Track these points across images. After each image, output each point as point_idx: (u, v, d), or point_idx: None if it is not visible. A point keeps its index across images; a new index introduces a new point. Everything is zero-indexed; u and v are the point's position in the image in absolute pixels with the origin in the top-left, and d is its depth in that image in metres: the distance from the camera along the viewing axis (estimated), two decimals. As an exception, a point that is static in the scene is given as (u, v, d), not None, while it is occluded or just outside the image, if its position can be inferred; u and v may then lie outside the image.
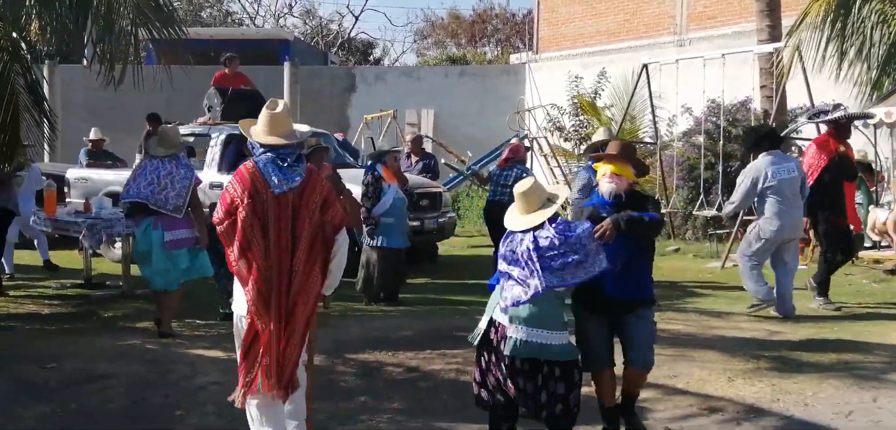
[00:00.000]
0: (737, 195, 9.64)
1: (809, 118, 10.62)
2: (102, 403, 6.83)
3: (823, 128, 11.20)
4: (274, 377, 5.17)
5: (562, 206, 5.79)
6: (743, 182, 9.57)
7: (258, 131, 5.31)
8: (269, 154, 5.24)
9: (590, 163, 8.40)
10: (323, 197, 5.28)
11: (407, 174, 12.43)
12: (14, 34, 9.75)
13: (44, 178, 12.64)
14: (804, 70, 13.11)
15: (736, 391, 7.07)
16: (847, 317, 9.69)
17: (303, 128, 5.50)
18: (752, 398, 6.88)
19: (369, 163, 10.74)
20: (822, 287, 10.12)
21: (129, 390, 7.08)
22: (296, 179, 5.22)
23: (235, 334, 5.39)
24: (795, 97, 14.76)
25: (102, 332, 8.84)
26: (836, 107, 10.60)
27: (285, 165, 5.24)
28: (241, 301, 5.28)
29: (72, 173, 14.34)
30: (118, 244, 11.91)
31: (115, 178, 13.37)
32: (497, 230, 11.32)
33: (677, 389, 7.14)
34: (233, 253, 5.22)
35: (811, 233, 10.63)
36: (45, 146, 11.73)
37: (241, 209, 5.18)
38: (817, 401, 6.85)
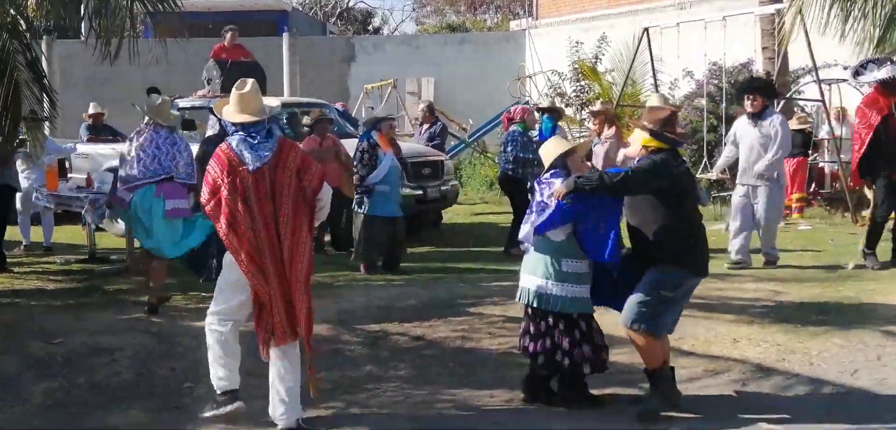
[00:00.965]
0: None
1: (854, 75, 10.51)
2: (109, 377, 6.85)
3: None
4: (287, 329, 5.70)
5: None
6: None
7: (229, 111, 5.77)
8: (240, 133, 5.72)
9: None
10: (297, 165, 5.71)
11: (411, 143, 12.44)
12: (12, 11, 9.70)
13: (64, 146, 12.78)
14: (805, 31, 13.03)
15: (741, 351, 7.08)
16: (851, 276, 9.69)
17: (273, 102, 6.01)
18: (758, 359, 6.90)
19: (364, 131, 10.69)
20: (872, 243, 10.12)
21: (135, 363, 7.10)
22: (266, 154, 5.67)
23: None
24: (797, 58, 14.70)
25: (107, 306, 8.85)
26: (881, 62, 10.39)
27: (256, 141, 5.70)
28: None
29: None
30: (121, 219, 11.90)
31: (116, 153, 13.33)
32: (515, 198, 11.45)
33: (682, 350, 7.16)
34: (221, 229, 5.68)
35: (869, 192, 10.58)
36: (46, 122, 11.70)
37: (223, 188, 5.65)
38: (822, 360, 6.87)
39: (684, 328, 7.67)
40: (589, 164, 6.12)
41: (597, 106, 12.30)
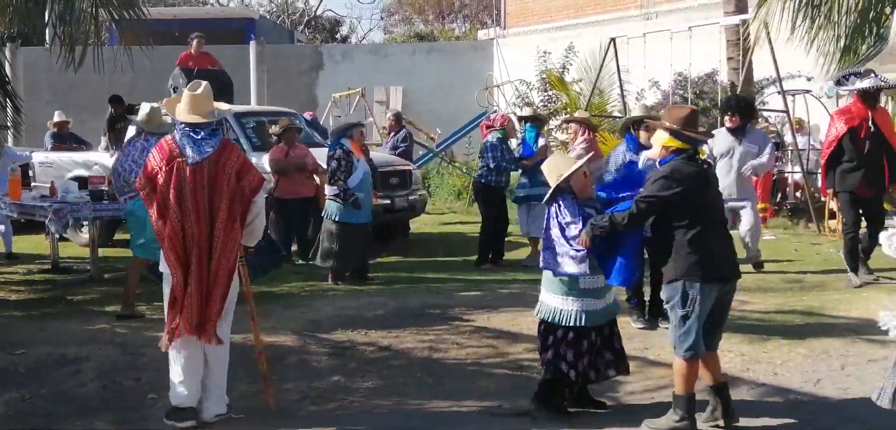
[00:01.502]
0: None
1: (837, 83, 10.54)
2: (73, 387, 6.78)
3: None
4: (195, 322, 5.85)
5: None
6: None
7: (181, 110, 6.03)
8: (185, 129, 5.97)
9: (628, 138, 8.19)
10: (237, 167, 5.94)
11: (379, 153, 12.40)
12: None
13: (23, 153, 12.63)
14: (770, 42, 13.17)
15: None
16: (815, 286, 9.78)
17: (222, 107, 6.38)
18: (723, 368, 6.92)
19: (334, 138, 10.59)
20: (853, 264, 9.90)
21: (100, 374, 7.03)
22: (207, 150, 5.91)
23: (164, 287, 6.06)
24: (762, 68, 14.85)
25: (72, 316, 8.75)
26: (864, 75, 10.40)
27: (199, 137, 5.95)
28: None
29: (37, 157, 14.17)
30: (85, 228, 11.79)
31: (83, 160, 13.23)
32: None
33: (649, 361, 7.20)
34: (152, 215, 5.97)
35: (833, 203, 10.60)
36: (10, 129, 11.58)
37: (159, 176, 5.92)
38: (787, 370, 6.93)
39: (651, 338, 7.74)
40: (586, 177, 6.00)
41: (576, 114, 12.11)
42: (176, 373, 5.97)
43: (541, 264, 6.04)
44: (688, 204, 5.58)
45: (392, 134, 15.29)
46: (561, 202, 5.94)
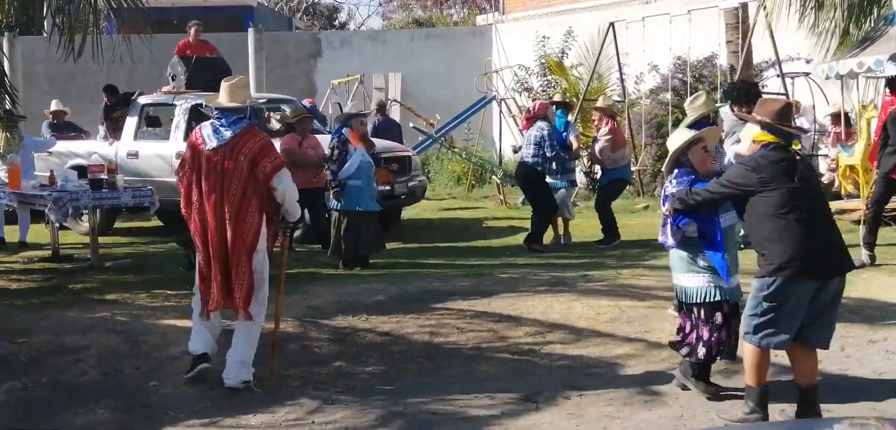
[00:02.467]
0: None
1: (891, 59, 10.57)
2: (75, 376, 6.79)
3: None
4: (220, 298, 6.34)
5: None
6: None
7: (218, 99, 6.51)
8: (215, 116, 6.45)
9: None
10: (252, 154, 6.25)
11: (381, 141, 12.39)
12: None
13: (46, 140, 12.78)
14: (769, 25, 13.16)
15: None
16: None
17: (258, 96, 6.94)
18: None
19: (335, 127, 10.65)
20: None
21: (100, 362, 7.03)
22: (226, 136, 6.29)
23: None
24: (761, 52, 14.83)
25: (72, 305, 8.75)
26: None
27: (220, 124, 6.35)
28: None
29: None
30: (85, 217, 11.80)
31: (83, 149, 13.22)
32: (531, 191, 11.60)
33: (651, 343, 7.21)
34: (182, 197, 6.50)
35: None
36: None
37: (187, 162, 6.46)
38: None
39: (652, 322, 7.74)
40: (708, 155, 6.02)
41: (599, 102, 12.51)
42: (194, 328, 6.58)
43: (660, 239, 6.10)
44: (774, 194, 5.35)
45: (374, 122, 15.08)
46: (673, 176, 5.98)
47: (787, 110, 5.70)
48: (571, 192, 12.12)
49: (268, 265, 6.47)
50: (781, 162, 5.45)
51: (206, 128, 6.42)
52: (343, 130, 10.43)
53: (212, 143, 6.30)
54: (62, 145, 13.66)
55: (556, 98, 12.61)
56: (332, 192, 10.34)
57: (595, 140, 12.04)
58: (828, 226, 5.54)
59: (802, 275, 5.33)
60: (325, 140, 11.17)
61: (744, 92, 10.23)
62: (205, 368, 6.45)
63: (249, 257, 6.27)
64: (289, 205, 6.43)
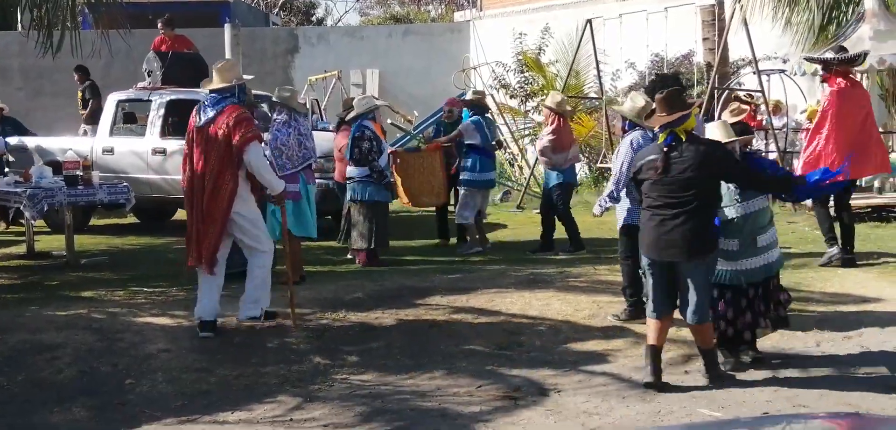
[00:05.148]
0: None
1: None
2: (51, 374, 6.74)
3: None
4: (195, 254, 7.29)
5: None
6: None
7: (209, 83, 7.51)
8: (207, 96, 7.37)
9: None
10: (225, 129, 7.13)
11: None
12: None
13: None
14: (745, 22, 13.25)
15: (684, 335, 7.16)
16: (791, 265, 9.84)
17: (247, 77, 7.89)
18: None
19: (358, 120, 10.31)
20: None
21: (77, 360, 6.99)
22: (211, 114, 7.23)
23: None
24: (738, 49, 14.92)
25: (48, 303, 8.68)
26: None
27: (207, 103, 7.30)
28: None
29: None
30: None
31: (57, 146, 13.08)
32: None
33: (629, 339, 7.24)
34: (182, 170, 7.51)
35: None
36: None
37: (186, 142, 7.46)
38: (762, 346, 6.98)
39: (636, 318, 7.77)
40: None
41: (548, 99, 11.66)
42: (200, 291, 7.39)
43: None
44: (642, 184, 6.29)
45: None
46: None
47: (644, 108, 6.43)
48: (473, 193, 11.10)
49: (258, 216, 7.50)
50: (649, 156, 6.18)
51: (199, 107, 7.35)
52: (367, 123, 10.23)
53: (200, 120, 7.26)
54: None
55: (468, 96, 12.28)
56: (380, 182, 10.11)
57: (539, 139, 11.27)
58: (672, 216, 6.07)
59: (646, 252, 6.22)
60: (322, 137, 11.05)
61: (661, 86, 9.97)
62: (210, 337, 7.36)
63: (224, 217, 7.17)
64: (261, 178, 7.30)
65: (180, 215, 14.01)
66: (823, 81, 9.95)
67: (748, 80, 15.60)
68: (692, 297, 6.10)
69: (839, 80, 9.54)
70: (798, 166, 9.84)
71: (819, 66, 10.09)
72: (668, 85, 9.94)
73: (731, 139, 6.48)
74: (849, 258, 9.52)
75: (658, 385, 6.12)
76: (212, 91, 7.35)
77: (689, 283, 6.10)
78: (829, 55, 9.83)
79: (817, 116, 9.68)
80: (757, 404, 5.88)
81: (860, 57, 10.26)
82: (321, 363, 6.90)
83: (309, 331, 7.66)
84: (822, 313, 7.85)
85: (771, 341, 7.02)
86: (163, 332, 7.64)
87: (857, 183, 10.71)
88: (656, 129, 6.32)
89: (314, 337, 7.52)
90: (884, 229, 11.73)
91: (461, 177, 11.19)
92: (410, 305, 8.47)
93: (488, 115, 11.92)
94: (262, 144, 7.83)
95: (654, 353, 6.19)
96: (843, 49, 9.97)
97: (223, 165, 7.14)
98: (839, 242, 9.62)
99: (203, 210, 7.19)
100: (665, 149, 6.08)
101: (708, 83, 14.28)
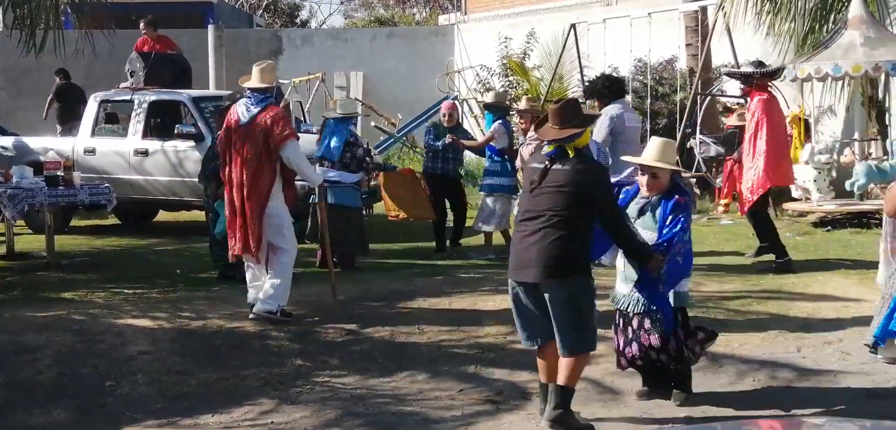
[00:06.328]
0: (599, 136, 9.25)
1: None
2: (31, 376, 6.70)
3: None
4: (239, 245, 7.73)
5: None
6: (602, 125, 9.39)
7: (250, 80, 7.83)
8: (247, 94, 7.75)
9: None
10: (264, 127, 7.58)
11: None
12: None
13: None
14: (728, 28, 13.31)
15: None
16: (771, 270, 9.89)
17: (282, 81, 8.02)
18: (682, 352, 6.99)
19: (346, 123, 10.29)
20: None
21: (57, 361, 6.95)
22: (254, 111, 7.65)
23: None
24: (721, 55, 14.98)
25: (28, 304, 8.63)
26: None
27: (249, 102, 7.70)
28: None
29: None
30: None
31: (41, 146, 12.99)
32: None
33: (610, 343, 7.24)
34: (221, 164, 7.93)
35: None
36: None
37: (221, 138, 7.94)
38: (744, 351, 7.02)
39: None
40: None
41: (522, 104, 11.53)
42: (247, 280, 7.91)
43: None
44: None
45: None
46: None
47: (541, 120, 5.89)
48: (505, 199, 10.88)
49: (286, 213, 7.79)
50: (533, 163, 5.75)
51: (240, 106, 7.73)
52: (352, 127, 10.34)
53: (243, 118, 7.66)
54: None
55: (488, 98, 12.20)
56: (342, 189, 10.05)
57: (522, 144, 10.84)
58: (533, 233, 5.53)
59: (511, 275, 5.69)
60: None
61: (599, 87, 9.90)
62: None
63: (262, 210, 7.58)
64: (300, 171, 7.87)
65: (162, 216, 13.97)
66: (745, 94, 10.26)
67: (730, 86, 15.66)
68: (556, 325, 5.56)
69: (761, 93, 9.81)
70: (745, 179, 9.94)
71: (740, 81, 10.38)
72: (596, 89, 9.94)
73: (667, 166, 5.91)
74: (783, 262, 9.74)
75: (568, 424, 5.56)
76: (253, 90, 7.71)
77: (549, 308, 5.55)
78: (749, 70, 10.13)
79: (751, 128, 9.82)
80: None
81: (779, 71, 10.67)
82: (302, 366, 6.89)
83: (290, 333, 7.64)
84: (803, 318, 7.88)
85: (752, 344, 7.05)
86: (143, 334, 7.61)
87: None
88: (544, 144, 5.77)
89: (296, 339, 7.50)
90: (864, 236, 11.79)
91: (487, 182, 10.85)
92: (393, 308, 8.47)
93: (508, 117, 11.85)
94: (298, 140, 8.13)
95: (545, 391, 5.68)
96: (762, 63, 10.22)
97: (262, 160, 7.58)
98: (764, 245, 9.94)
99: (245, 203, 7.60)
100: (548, 160, 5.61)
101: (690, 89, 14.35)
